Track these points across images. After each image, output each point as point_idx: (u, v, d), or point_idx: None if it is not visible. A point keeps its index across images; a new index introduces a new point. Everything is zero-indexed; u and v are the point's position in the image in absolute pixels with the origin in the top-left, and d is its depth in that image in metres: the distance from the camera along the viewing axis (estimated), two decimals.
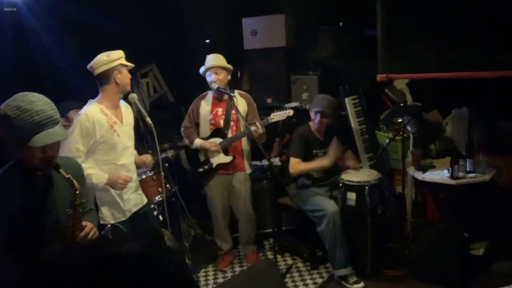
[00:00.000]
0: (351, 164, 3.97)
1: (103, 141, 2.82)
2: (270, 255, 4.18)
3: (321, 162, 3.79)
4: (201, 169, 3.89)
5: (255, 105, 3.95)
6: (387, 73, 4.00)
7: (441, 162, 4.03)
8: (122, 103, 3.03)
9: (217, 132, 3.81)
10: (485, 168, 3.66)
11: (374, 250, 3.64)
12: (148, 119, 3.01)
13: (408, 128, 4.16)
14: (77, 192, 1.91)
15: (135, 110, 3.24)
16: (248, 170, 3.94)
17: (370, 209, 3.57)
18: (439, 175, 3.76)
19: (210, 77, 3.72)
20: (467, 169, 3.69)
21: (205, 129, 3.86)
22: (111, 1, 4.56)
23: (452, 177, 3.60)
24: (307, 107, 4.66)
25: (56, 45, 4.30)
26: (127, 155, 2.95)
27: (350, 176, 3.74)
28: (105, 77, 2.84)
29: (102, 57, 2.82)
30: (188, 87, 5.38)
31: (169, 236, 3.69)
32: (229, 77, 3.78)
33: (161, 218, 3.81)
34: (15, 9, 4.12)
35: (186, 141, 3.97)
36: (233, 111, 3.75)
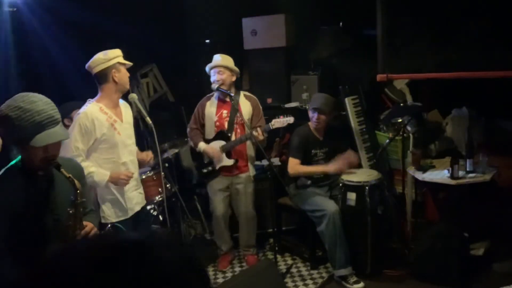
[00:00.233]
0: (351, 159, 3.89)
1: (104, 140, 2.82)
2: (270, 255, 4.18)
3: (323, 168, 3.77)
4: (205, 170, 3.89)
5: (260, 107, 3.94)
6: (387, 73, 4.01)
7: (441, 162, 4.03)
8: (121, 102, 3.03)
9: (221, 134, 3.81)
10: (485, 168, 3.67)
11: (374, 250, 3.64)
12: (148, 119, 3.01)
13: (408, 128, 4.16)
14: (78, 191, 1.91)
15: (135, 110, 3.24)
16: (252, 172, 3.94)
17: (370, 209, 3.57)
18: (439, 175, 3.76)
19: (213, 76, 3.72)
20: (467, 169, 3.69)
21: (210, 130, 3.86)
22: (111, 1, 4.56)
23: (452, 177, 3.60)
24: (307, 107, 4.66)
25: (56, 45, 4.31)
26: (128, 153, 2.95)
27: (350, 176, 3.74)
28: (103, 76, 2.84)
29: (99, 56, 2.83)
30: (188, 87, 5.39)
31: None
32: (233, 79, 3.76)
33: (161, 218, 3.81)
34: (15, 9, 4.12)
35: (191, 143, 3.97)
36: (238, 114, 3.75)
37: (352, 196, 3.63)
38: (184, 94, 5.41)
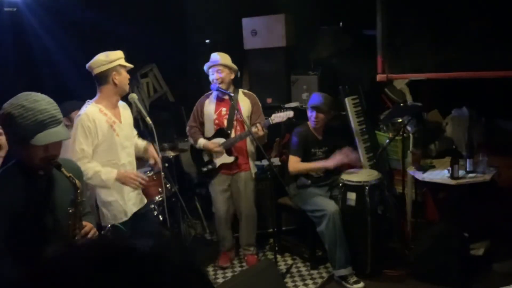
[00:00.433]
0: (351, 159, 3.89)
1: (104, 141, 2.82)
2: (270, 255, 4.18)
3: (322, 164, 3.78)
4: (205, 169, 3.89)
5: (260, 104, 3.94)
6: (387, 73, 4.01)
7: (441, 162, 4.03)
8: (120, 103, 3.03)
9: (221, 132, 3.81)
10: (485, 168, 3.66)
11: (374, 250, 3.64)
12: (148, 119, 3.01)
13: (408, 128, 4.16)
14: (78, 190, 1.91)
15: (135, 110, 3.24)
16: (254, 170, 3.94)
17: (370, 209, 3.57)
18: (439, 175, 3.76)
19: (212, 75, 3.72)
20: (467, 169, 3.69)
21: (209, 128, 3.86)
22: (111, 1, 4.56)
23: (452, 177, 3.61)
24: (307, 107, 4.66)
25: (56, 45, 4.31)
26: (126, 155, 2.95)
27: (350, 176, 3.74)
28: (103, 78, 2.83)
29: (101, 57, 2.82)
30: (188, 87, 5.39)
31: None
32: (232, 77, 3.77)
33: (161, 218, 3.81)
34: (15, 9, 4.12)
35: (191, 141, 3.97)
36: (237, 112, 3.75)
37: (352, 196, 3.63)
38: (184, 94, 5.41)
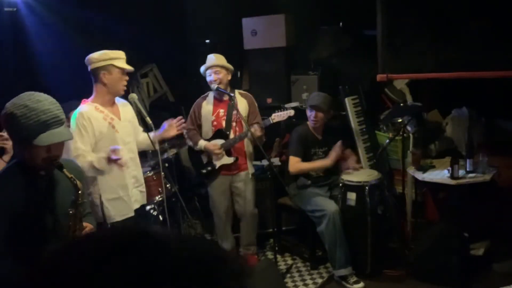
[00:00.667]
0: (351, 162, 3.94)
1: (102, 138, 2.82)
2: (270, 255, 4.18)
3: (322, 162, 3.80)
4: (204, 170, 3.88)
5: (256, 104, 3.94)
6: (387, 73, 4.01)
7: (441, 162, 4.03)
8: (120, 101, 3.03)
9: (219, 133, 3.81)
10: (485, 168, 3.67)
11: (374, 250, 3.64)
12: (148, 119, 3.00)
13: (408, 128, 4.16)
14: (79, 192, 1.91)
15: (135, 110, 3.23)
16: (251, 170, 3.94)
17: (370, 209, 3.57)
18: (439, 175, 3.76)
19: (210, 77, 3.72)
20: (467, 169, 3.69)
21: (207, 130, 3.85)
22: (111, 1, 4.56)
23: (452, 177, 3.61)
24: (306, 107, 4.66)
25: (56, 45, 4.31)
26: (127, 151, 2.95)
27: (350, 176, 3.74)
28: (94, 75, 2.84)
29: (95, 54, 2.82)
30: (188, 87, 5.38)
31: None
32: (229, 77, 3.77)
33: (161, 218, 3.81)
34: (15, 9, 4.12)
35: (190, 143, 3.96)
36: (235, 112, 3.75)
37: (352, 196, 3.63)
38: (184, 94, 5.41)
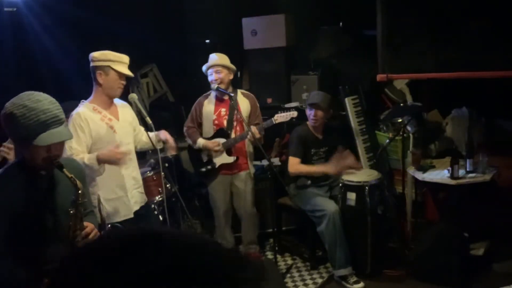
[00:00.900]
0: (350, 162, 3.91)
1: (99, 139, 2.81)
2: (270, 255, 4.18)
3: (322, 168, 3.76)
4: (203, 169, 3.88)
5: (258, 105, 3.94)
6: (387, 73, 4.01)
7: (441, 162, 4.03)
8: (119, 102, 3.02)
9: (220, 132, 3.81)
10: (485, 168, 3.66)
11: (374, 250, 3.64)
12: (148, 119, 3.01)
13: (408, 128, 4.16)
14: (79, 191, 1.91)
15: (135, 110, 3.23)
16: (252, 170, 3.94)
17: (370, 209, 3.57)
18: (439, 175, 3.76)
19: (211, 76, 3.72)
20: (467, 169, 3.69)
21: (208, 129, 3.85)
22: (112, 1, 4.56)
23: (452, 177, 3.60)
24: (306, 106, 4.66)
25: (56, 45, 4.31)
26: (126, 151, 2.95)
27: (350, 176, 3.74)
28: (93, 73, 2.84)
29: (97, 52, 2.82)
30: (188, 87, 5.38)
31: None
32: (231, 77, 3.76)
33: (161, 218, 3.81)
34: (15, 9, 4.12)
35: (189, 141, 3.95)
36: (237, 112, 3.75)
37: (352, 196, 3.63)
38: (184, 94, 5.41)
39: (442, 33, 3.76)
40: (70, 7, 4.23)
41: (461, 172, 3.65)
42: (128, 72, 2.86)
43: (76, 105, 3.07)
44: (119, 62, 2.83)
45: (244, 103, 3.82)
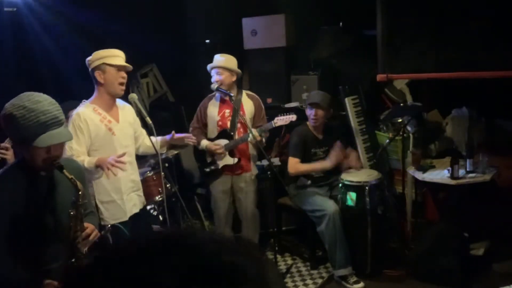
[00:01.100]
0: (352, 161, 3.92)
1: (98, 140, 2.81)
2: (270, 255, 4.18)
3: (322, 164, 3.79)
4: (207, 169, 3.89)
5: (262, 106, 3.93)
6: (387, 73, 4.01)
7: (441, 162, 4.03)
8: (121, 103, 3.01)
9: (224, 133, 3.81)
10: (485, 168, 3.66)
11: (374, 250, 3.64)
12: (148, 119, 3.00)
13: (408, 128, 4.16)
14: (80, 192, 1.90)
15: (135, 110, 3.23)
16: (255, 172, 3.93)
17: (370, 209, 3.57)
18: (439, 175, 3.76)
19: (213, 77, 3.72)
20: (467, 169, 3.69)
21: (213, 130, 3.86)
22: (111, 1, 4.56)
23: (452, 177, 3.60)
24: (306, 106, 4.66)
25: (56, 45, 4.31)
26: (125, 155, 2.93)
27: (350, 176, 3.74)
28: (93, 77, 2.84)
29: (90, 57, 2.82)
30: (188, 87, 5.39)
31: None
32: (233, 79, 3.74)
33: (161, 218, 3.81)
34: (15, 9, 4.12)
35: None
36: (240, 112, 3.74)
37: (352, 196, 3.63)
38: (184, 94, 5.41)
39: (442, 33, 3.76)
40: (70, 7, 4.23)
41: (461, 172, 3.65)
42: (124, 63, 2.85)
43: (75, 105, 3.07)
44: (112, 56, 2.82)
45: (248, 104, 3.82)
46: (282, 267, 4.02)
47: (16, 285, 1.88)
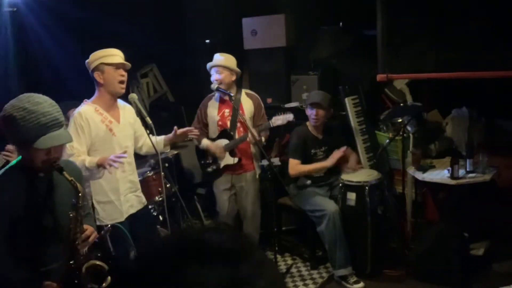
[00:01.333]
0: (351, 163, 3.93)
1: (98, 140, 2.81)
2: (270, 255, 4.18)
3: (322, 164, 3.79)
4: (209, 169, 3.89)
5: (262, 105, 3.93)
6: (387, 73, 4.00)
7: (441, 162, 4.03)
8: (122, 103, 3.01)
9: (224, 133, 3.81)
10: (485, 168, 3.66)
11: (374, 250, 3.64)
12: (148, 119, 3.00)
13: (408, 128, 4.16)
14: (79, 194, 1.90)
15: (135, 110, 3.23)
16: (258, 171, 3.93)
17: (370, 209, 3.57)
18: (439, 175, 3.76)
19: (212, 76, 3.72)
20: (467, 169, 3.69)
21: (213, 129, 3.86)
22: (111, 1, 4.56)
23: (452, 177, 3.60)
24: (306, 106, 4.65)
25: (56, 45, 4.30)
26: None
27: (350, 176, 3.74)
28: (93, 78, 2.84)
29: (88, 59, 2.81)
30: (188, 87, 5.38)
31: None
32: (232, 78, 3.74)
33: (161, 218, 3.81)
34: (15, 9, 4.12)
35: (195, 142, 3.96)
36: (240, 112, 3.74)
37: (352, 196, 3.63)
38: (184, 94, 5.41)
39: (442, 33, 3.76)
40: (70, 7, 4.23)
41: (461, 172, 3.65)
42: (121, 60, 2.85)
43: (74, 105, 3.07)
44: (109, 55, 2.82)
45: (247, 104, 3.82)
46: (282, 267, 4.02)
47: (16, 285, 1.88)
